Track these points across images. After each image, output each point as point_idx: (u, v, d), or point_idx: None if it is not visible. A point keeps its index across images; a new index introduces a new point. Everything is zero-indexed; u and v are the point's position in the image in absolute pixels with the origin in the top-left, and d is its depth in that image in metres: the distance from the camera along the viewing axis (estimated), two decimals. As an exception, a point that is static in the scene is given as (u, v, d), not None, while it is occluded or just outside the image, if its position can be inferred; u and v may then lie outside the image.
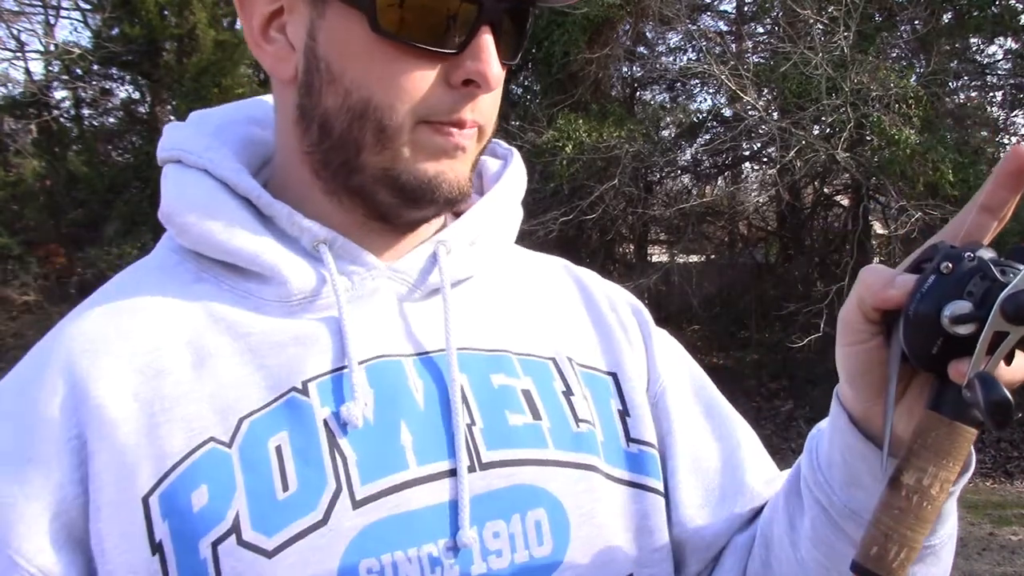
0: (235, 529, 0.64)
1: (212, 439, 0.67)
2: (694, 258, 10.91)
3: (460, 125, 0.70)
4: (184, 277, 0.74)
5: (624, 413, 0.80)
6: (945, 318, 0.56)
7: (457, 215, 0.81)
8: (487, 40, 0.67)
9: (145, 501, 0.65)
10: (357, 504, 0.66)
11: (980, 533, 5.76)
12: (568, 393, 0.77)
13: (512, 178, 0.84)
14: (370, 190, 0.72)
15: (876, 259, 9.27)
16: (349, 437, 0.68)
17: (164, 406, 0.67)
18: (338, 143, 0.71)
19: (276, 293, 0.72)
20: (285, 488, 0.66)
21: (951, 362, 0.56)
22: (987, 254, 0.57)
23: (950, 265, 0.56)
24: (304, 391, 0.69)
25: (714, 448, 0.83)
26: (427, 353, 0.73)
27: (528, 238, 8.38)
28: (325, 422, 0.68)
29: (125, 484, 0.65)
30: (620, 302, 0.88)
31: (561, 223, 8.46)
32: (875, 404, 0.63)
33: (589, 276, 0.90)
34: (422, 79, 0.68)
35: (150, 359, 0.69)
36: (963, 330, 0.55)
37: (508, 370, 0.76)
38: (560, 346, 0.80)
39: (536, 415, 0.74)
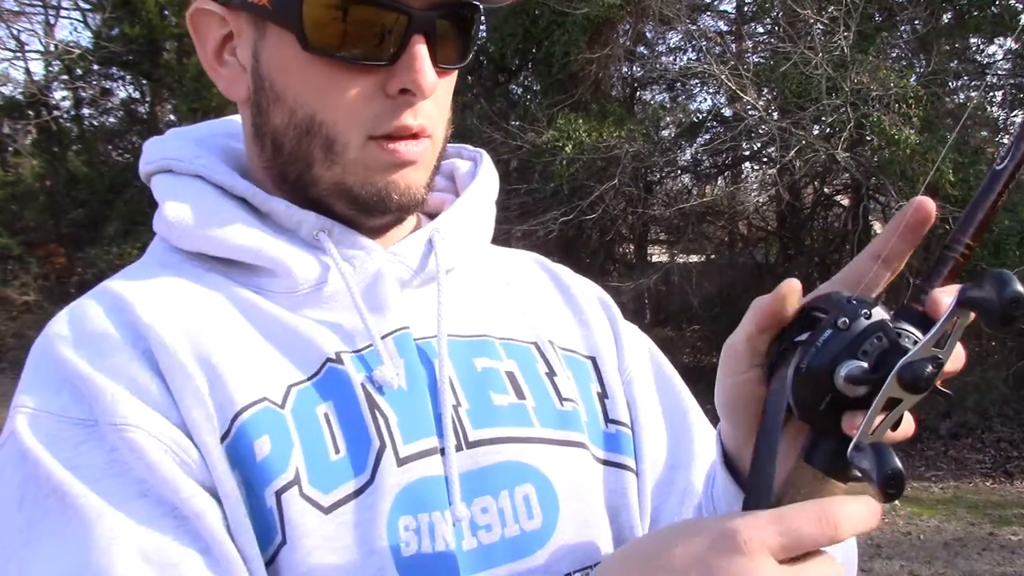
0: (297, 481, 0.66)
1: (266, 399, 0.68)
2: (694, 258, 10.92)
3: (406, 133, 0.71)
4: (194, 272, 0.74)
5: (603, 395, 0.83)
6: (840, 377, 0.54)
7: (431, 216, 0.83)
8: (419, 50, 0.68)
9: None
10: (401, 462, 0.69)
11: (980, 533, 5.77)
12: (551, 374, 0.80)
13: (485, 178, 0.86)
14: (327, 202, 0.75)
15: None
16: (387, 398, 0.70)
17: (217, 370, 0.67)
18: (290, 159, 0.74)
19: (283, 285, 0.73)
20: (336, 451, 0.68)
21: (846, 414, 0.55)
22: (882, 313, 0.56)
23: (847, 321, 0.55)
24: (339, 360, 0.71)
25: (665, 447, 0.85)
26: (415, 340, 0.75)
27: (528, 238, 8.39)
28: (363, 385, 0.70)
29: (205, 429, 0.66)
30: (590, 295, 0.90)
31: (561, 223, 8.47)
32: (748, 444, 0.62)
33: (561, 268, 0.93)
34: (359, 92, 0.70)
35: (192, 330, 0.69)
36: (856, 391, 0.54)
37: (491, 354, 0.78)
38: (541, 331, 0.83)
39: (520, 395, 0.76)
